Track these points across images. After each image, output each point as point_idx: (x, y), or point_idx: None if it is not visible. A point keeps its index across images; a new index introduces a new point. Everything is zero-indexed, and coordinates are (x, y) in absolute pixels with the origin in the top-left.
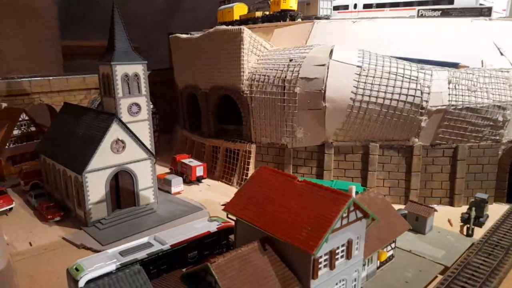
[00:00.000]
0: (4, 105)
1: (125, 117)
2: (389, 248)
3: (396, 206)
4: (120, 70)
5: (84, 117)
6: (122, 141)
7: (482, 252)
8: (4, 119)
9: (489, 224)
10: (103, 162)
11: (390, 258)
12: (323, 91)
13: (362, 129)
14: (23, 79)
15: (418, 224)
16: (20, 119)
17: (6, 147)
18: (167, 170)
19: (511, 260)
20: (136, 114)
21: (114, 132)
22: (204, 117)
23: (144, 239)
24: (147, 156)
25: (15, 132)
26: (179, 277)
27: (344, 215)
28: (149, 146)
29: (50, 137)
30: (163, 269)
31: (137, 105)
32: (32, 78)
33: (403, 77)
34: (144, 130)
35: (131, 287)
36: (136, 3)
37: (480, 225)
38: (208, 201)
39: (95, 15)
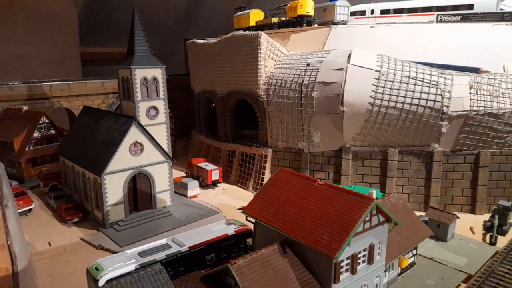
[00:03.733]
0: (25, 108)
1: (143, 120)
2: (410, 254)
3: (416, 213)
4: (139, 73)
5: (103, 120)
6: (141, 144)
7: (507, 260)
8: (24, 122)
9: None
10: (122, 164)
11: (411, 265)
12: (341, 96)
13: (380, 134)
14: (44, 83)
15: (439, 231)
16: (40, 122)
17: (27, 149)
18: (183, 174)
19: None
20: (154, 117)
21: (133, 134)
22: (220, 122)
23: (163, 241)
24: (165, 159)
25: (35, 134)
26: (199, 278)
27: (367, 218)
28: (166, 149)
29: (69, 139)
30: (181, 271)
31: (155, 108)
32: (52, 83)
33: (422, 81)
34: (161, 133)
35: (152, 286)
36: (153, 11)
37: (504, 233)
38: (224, 205)
39: (113, 23)
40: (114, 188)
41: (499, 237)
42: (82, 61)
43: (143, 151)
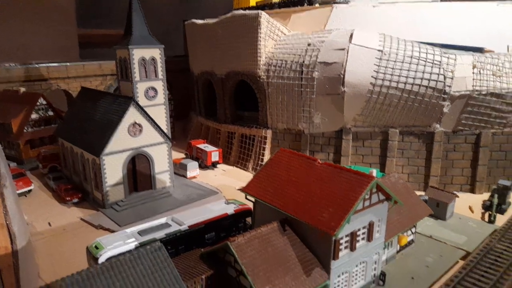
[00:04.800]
0: (22, 90)
1: (142, 101)
2: (409, 232)
3: (416, 193)
4: (137, 53)
5: (102, 101)
6: (139, 125)
7: (505, 238)
8: (22, 103)
9: (511, 211)
10: (121, 145)
11: (410, 242)
12: (342, 76)
13: (381, 114)
14: (41, 65)
15: (438, 210)
16: (38, 103)
17: (25, 131)
18: (182, 155)
19: None
20: (153, 98)
21: (131, 115)
22: (220, 103)
23: (162, 220)
24: (164, 140)
25: (33, 116)
26: (198, 256)
27: (367, 196)
28: (165, 130)
29: (68, 121)
30: (181, 249)
31: (154, 89)
32: (50, 64)
33: (425, 61)
34: (160, 114)
35: (152, 263)
36: None
37: (502, 212)
38: (224, 185)
39: (111, 4)
40: (113, 169)
41: (498, 216)
42: (79, 43)
43: (142, 132)
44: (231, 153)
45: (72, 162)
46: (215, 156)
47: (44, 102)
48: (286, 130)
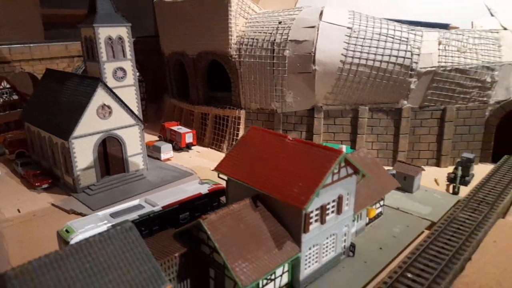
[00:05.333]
0: None
1: (110, 82)
2: (378, 205)
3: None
4: (103, 32)
5: (68, 82)
6: (108, 107)
7: (467, 208)
8: None
9: (474, 183)
10: (90, 128)
11: (378, 215)
12: (313, 54)
13: (351, 92)
14: (2, 46)
15: (406, 183)
16: (1, 87)
17: None
18: (156, 138)
19: (496, 214)
20: (122, 79)
21: (100, 97)
22: (192, 84)
23: (135, 202)
24: (135, 122)
25: None
26: (171, 235)
27: (335, 170)
28: (136, 112)
29: (34, 104)
30: (155, 230)
31: (123, 69)
32: (12, 45)
33: (393, 38)
34: (130, 95)
35: (122, 243)
36: None
37: (466, 183)
38: (198, 167)
39: None
40: (83, 152)
41: (462, 188)
42: (44, 24)
43: (112, 114)
44: (205, 135)
45: (40, 147)
46: (189, 137)
47: (8, 86)
48: (259, 110)
